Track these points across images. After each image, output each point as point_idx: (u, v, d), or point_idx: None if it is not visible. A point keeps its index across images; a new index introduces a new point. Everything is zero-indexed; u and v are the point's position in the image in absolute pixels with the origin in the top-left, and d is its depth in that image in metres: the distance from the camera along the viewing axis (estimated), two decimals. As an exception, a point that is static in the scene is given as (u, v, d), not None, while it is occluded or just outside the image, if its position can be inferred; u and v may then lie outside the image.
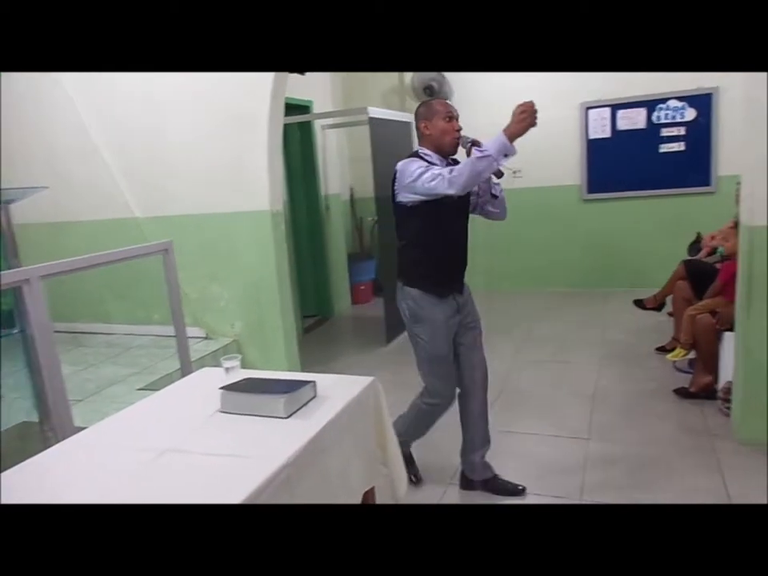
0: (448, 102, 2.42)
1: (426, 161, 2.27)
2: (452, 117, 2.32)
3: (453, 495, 2.57)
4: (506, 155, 2.07)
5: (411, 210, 2.27)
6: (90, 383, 3.22)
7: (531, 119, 2.07)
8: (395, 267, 2.48)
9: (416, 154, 2.33)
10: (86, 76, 3.71)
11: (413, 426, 2.57)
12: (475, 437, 2.57)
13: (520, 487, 2.57)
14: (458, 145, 2.33)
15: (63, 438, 1.74)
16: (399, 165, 2.28)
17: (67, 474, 1.46)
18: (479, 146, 2.24)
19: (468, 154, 2.30)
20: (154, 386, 2.99)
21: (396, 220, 2.39)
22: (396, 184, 2.29)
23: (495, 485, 2.57)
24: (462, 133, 2.34)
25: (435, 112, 2.32)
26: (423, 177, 2.16)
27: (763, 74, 2.46)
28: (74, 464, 1.52)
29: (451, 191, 2.13)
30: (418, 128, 2.37)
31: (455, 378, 2.50)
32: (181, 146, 3.60)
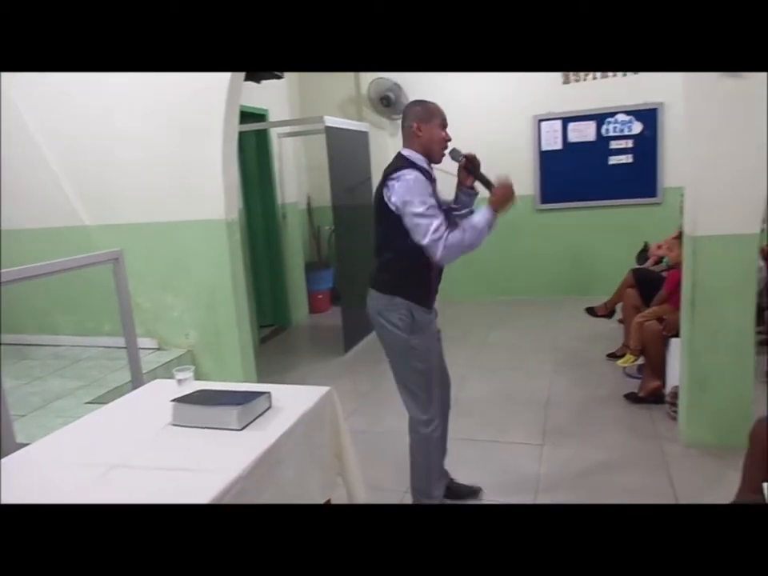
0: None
1: (416, 165, 2.17)
2: (446, 125, 2.26)
3: (409, 501, 2.57)
4: (490, 228, 2.15)
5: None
6: (34, 397, 3.09)
7: (512, 197, 2.18)
8: (353, 276, 2.43)
9: (408, 162, 2.18)
10: (30, 80, 3.60)
11: (431, 461, 2.39)
12: None
13: (475, 488, 2.60)
14: (444, 155, 2.27)
15: (4, 455, 1.67)
16: (405, 178, 2.11)
17: (8, 493, 1.40)
18: (474, 162, 2.26)
19: (460, 168, 2.30)
20: (103, 400, 2.90)
21: (385, 229, 2.23)
22: (391, 192, 2.13)
23: (452, 489, 2.59)
24: (454, 146, 2.27)
25: (433, 116, 2.22)
26: (422, 223, 2.06)
27: (703, 91, 2.56)
28: (15, 482, 1.46)
29: (436, 259, 2.11)
30: (408, 127, 2.22)
31: None
32: (133, 152, 3.52)
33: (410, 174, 2.11)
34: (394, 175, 2.13)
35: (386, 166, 2.25)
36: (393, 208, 2.13)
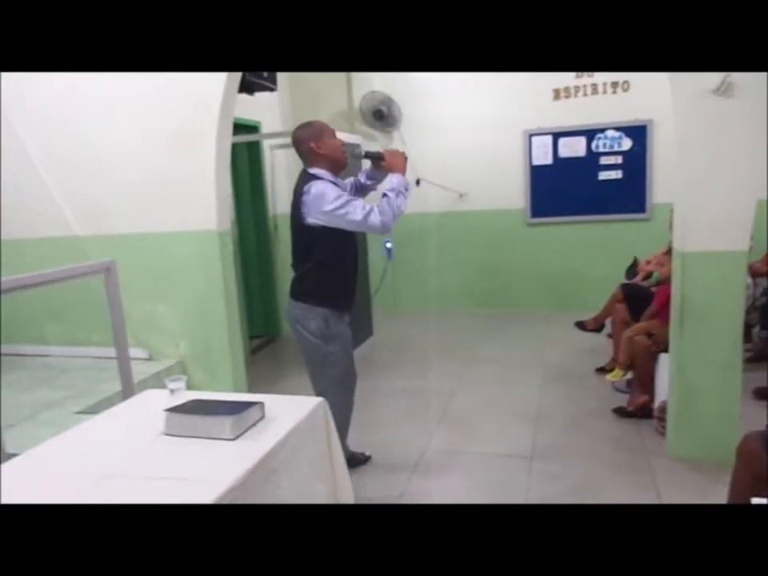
0: None
1: (322, 179, 2.37)
2: (335, 133, 2.49)
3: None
4: (406, 189, 2.42)
5: (323, 232, 2.34)
6: (24, 407, 3.07)
7: (401, 157, 2.49)
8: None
9: (314, 177, 2.38)
10: (21, 89, 3.60)
11: None
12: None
13: (367, 453, 2.92)
14: (347, 159, 2.51)
15: (-6, 465, 1.65)
16: (312, 189, 2.31)
17: (-2, 503, 1.39)
18: (376, 158, 2.54)
19: (373, 166, 2.62)
20: (93, 410, 2.88)
21: (302, 242, 2.44)
22: (305, 207, 2.33)
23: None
24: (361, 146, 2.55)
25: (322, 131, 2.45)
26: (348, 209, 2.27)
27: (691, 109, 2.61)
28: (5, 493, 1.45)
29: (378, 227, 2.29)
30: (307, 150, 2.43)
31: None
32: (125, 162, 3.51)
33: (315, 186, 2.32)
34: (303, 190, 2.32)
35: (295, 184, 2.47)
36: (311, 222, 2.33)
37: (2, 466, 1.61)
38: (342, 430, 2.59)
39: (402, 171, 2.44)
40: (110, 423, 1.88)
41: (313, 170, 2.42)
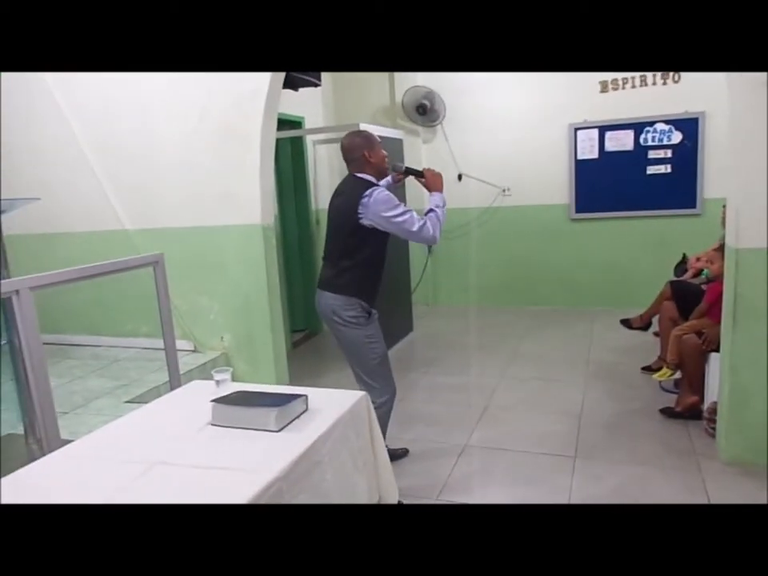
0: None
1: (375, 185, 2.55)
2: (380, 144, 2.67)
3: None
4: (444, 206, 2.65)
5: (373, 235, 2.52)
6: (76, 395, 3.18)
7: (440, 177, 2.71)
8: (385, 281, 2.76)
9: (369, 183, 2.55)
10: (75, 85, 3.71)
11: None
12: None
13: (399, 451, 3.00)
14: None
15: (49, 451, 1.72)
16: (375, 194, 2.46)
17: (53, 488, 1.45)
18: (416, 174, 2.74)
19: (395, 179, 2.84)
20: (141, 399, 2.96)
21: (352, 241, 2.56)
22: (363, 209, 2.47)
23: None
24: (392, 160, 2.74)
25: (375, 141, 2.64)
26: (406, 219, 2.47)
27: (748, 100, 2.52)
28: (60, 477, 1.51)
29: (429, 236, 2.51)
30: (360, 156, 2.59)
31: None
32: (172, 158, 3.60)
33: (377, 191, 2.49)
34: (366, 193, 2.47)
35: (342, 188, 2.66)
36: (367, 223, 2.48)
37: (58, 451, 1.67)
38: (384, 417, 2.64)
39: (441, 190, 2.67)
40: (159, 412, 1.94)
41: (361, 175, 2.59)
